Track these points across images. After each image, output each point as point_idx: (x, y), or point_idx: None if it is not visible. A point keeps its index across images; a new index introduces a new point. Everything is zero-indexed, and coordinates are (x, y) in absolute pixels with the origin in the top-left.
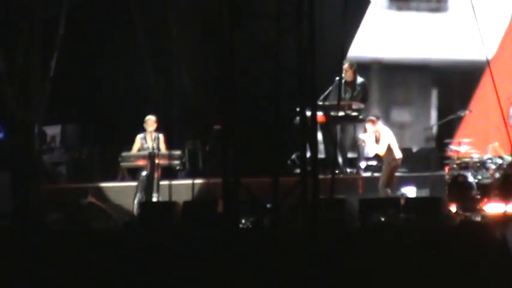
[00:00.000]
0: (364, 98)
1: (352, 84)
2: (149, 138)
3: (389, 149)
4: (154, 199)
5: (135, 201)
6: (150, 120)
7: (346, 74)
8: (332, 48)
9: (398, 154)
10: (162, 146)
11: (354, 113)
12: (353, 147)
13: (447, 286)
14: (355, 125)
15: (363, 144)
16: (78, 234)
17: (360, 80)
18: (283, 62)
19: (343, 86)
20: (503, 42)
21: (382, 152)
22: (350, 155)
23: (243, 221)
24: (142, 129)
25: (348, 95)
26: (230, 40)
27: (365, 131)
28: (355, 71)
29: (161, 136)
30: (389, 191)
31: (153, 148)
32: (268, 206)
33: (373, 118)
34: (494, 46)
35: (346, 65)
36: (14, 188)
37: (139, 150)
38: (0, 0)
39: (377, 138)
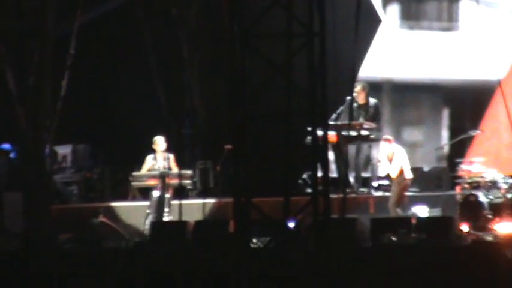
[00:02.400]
0: (376, 118)
1: (364, 106)
2: (160, 158)
3: (401, 170)
4: (166, 219)
5: (147, 221)
6: (160, 141)
7: (359, 97)
8: (343, 68)
9: (409, 175)
10: (173, 166)
11: (366, 133)
12: (366, 166)
13: None
14: (369, 144)
15: (378, 163)
16: (89, 254)
17: (372, 101)
18: (295, 81)
19: (355, 109)
20: None
21: (394, 173)
22: (363, 174)
23: (255, 240)
24: (153, 150)
25: (361, 118)
26: (241, 60)
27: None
28: (367, 93)
29: (172, 156)
30: (399, 210)
31: (164, 168)
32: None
33: (388, 137)
34: (506, 66)
35: (358, 88)
36: (25, 207)
37: (149, 170)
38: (11, 19)
39: (390, 159)
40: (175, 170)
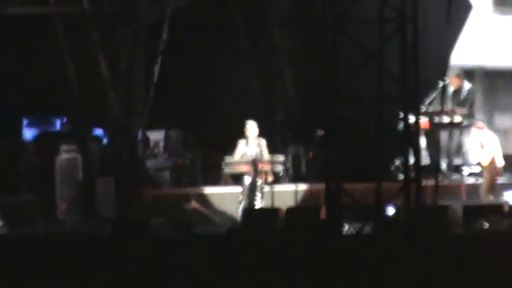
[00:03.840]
0: (468, 103)
1: (458, 92)
2: (252, 144)
3: (492, 157)
4: (258, 205)
5: (240, 208)
6: (252, 126)
7: (453, 83)
8: (436, 54)
9: (501, 162)
10: (265, 151)
11: (458, 119)
12: (458, 153)
13: None
14: (461, 130)
15: (468, 153)
16: (181, 239)
17: (466, 86)
18: (387, 67)
19: (449, 95)
20: None
21: (486, 161)
22: (455, 161)
23: (346, 227)
24: (245, 135)
25: (455, 103)
26: (333, 45)
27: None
28: (462, 80)
29: (264, 141)
30: (491, 197)
31: (256, 153)
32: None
33: (481, 124)
34: None
35: (453, 75)
36: (117, 193)
37: (241, 156)
38: (104, 5)
39: (482, 146)
40: (267, 155)
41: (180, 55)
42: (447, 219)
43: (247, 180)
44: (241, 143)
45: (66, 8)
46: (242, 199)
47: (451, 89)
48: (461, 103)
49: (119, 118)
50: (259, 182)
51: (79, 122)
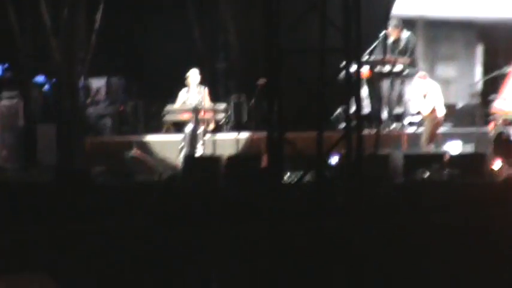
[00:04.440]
0: (408, 51)
1: (398, 41)
2: (193, 91)
3: (434, 107)
4: (199, 153)
5: (180, 156)
6: (193, 74)
7: (393, 33)
8: (377, 4)
9: (442, 111)
10: (207, 99)
11: (399, 68)
12: (399, 102)
13: (490, 242)
14: (403, 79)
15: (410, 103)
16: (122, 187)
17: (405, 35)
18: (329, 17)
19: (390, 45)
20: None
21: (427, 110)
22: (396, 110)
23: (287, 175)
24: (186, 83)
25: (396, 52)
26: None
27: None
28: (400, 29)
29: (205, 89)
30: (432, 147)
31: (197, 101)
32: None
33: (423, 73)
34: None
35: (391, 26)
36: (58, 140)
37: (183, 103)
38: None
39: (424, 96)
40: (208, 103)
41: (122, 3)
42: (388, 169)
43: (189, 128)
44: (182, 90)
45: None
46: (183, 147)
47: (391, 39)
48: (401, 52)
49: (60, 65)
50: (201, 129)
51: (20, 68)
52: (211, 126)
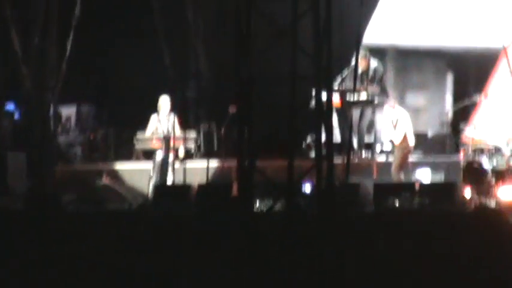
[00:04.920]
0: (376, 80)
1: (367, 70)
2: (163, 119)
3: (404, 136)
4: (169, 181)
5: (151, 184)
6: (164, 101)
7: (361, 64)
8: (349, 32)
9: (412, 140)
10: (177, 127)
11: (370, 97)
12: (370, 131)
13: (461, 270)
14: (374, 109)
15: (380, 132)
16: (93, 215)
17: (373, 64)
18: (300, 44)
19: (360, 74)
20: None
21: (398, 139)
22: (366, 139)
23: (257, 204)
24: (157, 110)
25: (365, 81)
26: (246, 22)
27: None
28: (368, 60)
29: (175, 117)
30: (402, 176)
31: (167, 129)
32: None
33: (392, 102)
34: (510, 32)
35: (359, 56)
36: (29, 168)
37: (153, 132)
38: None
39: (394, 125)
40: (178, 131)
41: (93, 31)
42: (358, 197)
43: (159, 156)
44: (153, 118)
45: None
46: (153, 175)
47: (360, 70)
48: (370, 81)
49: (30, 93)
50: (171, 158)
51: None
52: (182, 154)
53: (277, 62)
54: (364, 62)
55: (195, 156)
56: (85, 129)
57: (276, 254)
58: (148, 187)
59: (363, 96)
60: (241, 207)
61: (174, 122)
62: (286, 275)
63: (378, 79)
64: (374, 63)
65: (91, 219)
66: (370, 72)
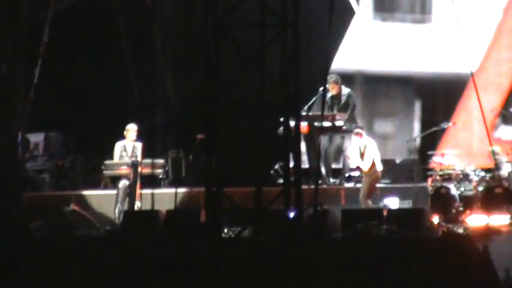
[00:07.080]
0: (349, 108)
1: (338, 96)
2: (129, 147)
3: (372, 164)
4: (137, 208)
5: (116, 210)
6: (132, 129)
7: (332, 89)
8: (317, 59)
9: (379, 167)
10: (139, 155)
11: (338, 124)
12: (338, 157)
13: None
14: (342, 135)
15: (349, 160)
16: (61, 241)
17: (345, 91)
18: (268, 72)
19: (329, 100)
20: (487, 55)
21: (365, 168)
22: (334, 165)
23: (226, 230)
24: (123, 137)
25: (334, 109)
26: (214, 50)
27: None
28: (339, 85)
29: (139, 145)
30: (370, 202)
31: (132, 157)
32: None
33: (359, 131)
34: (478, 59)
35: (331, 81)
36: None
37: (119, 158)
38: None
39: (362, 153)
40: (142, 159)
41: (61, 58)
42: (326, 223)
43: (123, 183)
44: (117, 146)
45: None
46: (117, 202)
47: (329, 94)
48: (341, 108)
49: None
50: (138, 184)
51: None
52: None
53: (246, 89)
54: (336, 87)
55: (163, 183)
56: (53, 156)
57: (242, 279)
58: (114, 214)
59: (331, 122)
60: (210, 233)
61: (137, 149)
62: None
63: (351, 106)
64: (346, 89)
65: (59, 245)
66: (343, 98)
